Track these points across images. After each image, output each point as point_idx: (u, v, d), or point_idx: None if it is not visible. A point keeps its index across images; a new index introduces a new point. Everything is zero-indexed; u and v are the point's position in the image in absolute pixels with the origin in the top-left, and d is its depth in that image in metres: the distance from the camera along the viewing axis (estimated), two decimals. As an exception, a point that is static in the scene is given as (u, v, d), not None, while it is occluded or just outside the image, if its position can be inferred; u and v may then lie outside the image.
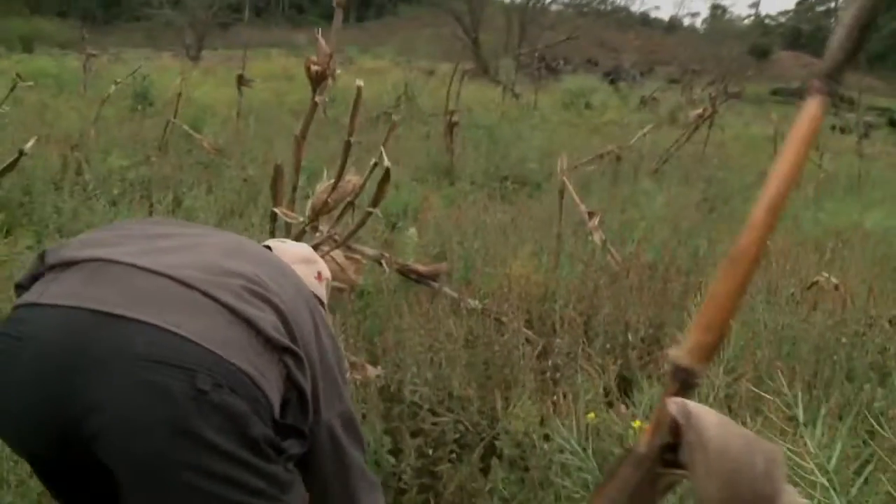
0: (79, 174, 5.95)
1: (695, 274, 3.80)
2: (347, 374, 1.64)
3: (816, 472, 1.35)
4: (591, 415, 2.03)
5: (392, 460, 2.43)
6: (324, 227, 3.11)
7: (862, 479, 1.40)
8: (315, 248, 3.00)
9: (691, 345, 0.70)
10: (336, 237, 3.30)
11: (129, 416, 1.11)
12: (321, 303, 1.88)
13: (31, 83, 10.29)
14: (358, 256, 3.07)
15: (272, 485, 1.19)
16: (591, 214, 3.95)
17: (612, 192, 6.41)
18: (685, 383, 0.69)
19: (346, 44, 25.47)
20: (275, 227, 3.39)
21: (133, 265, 1.21)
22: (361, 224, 2.84)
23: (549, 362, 2.74)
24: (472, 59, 20.53)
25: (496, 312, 2.93)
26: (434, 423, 2.52)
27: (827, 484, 1.32)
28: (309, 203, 3.14)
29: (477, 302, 2.96)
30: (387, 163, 2.75)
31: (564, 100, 13.12)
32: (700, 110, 7.73)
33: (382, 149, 2.65)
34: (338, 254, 2.96)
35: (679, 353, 0.70)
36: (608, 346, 2.96)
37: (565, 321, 2.74)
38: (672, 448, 0.69)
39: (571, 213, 4.33)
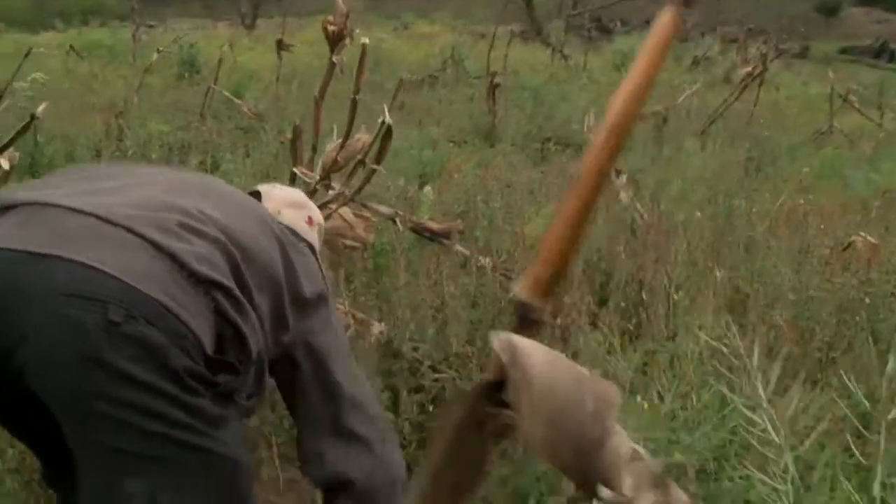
0: (120, 140, 6.06)
1: (728, 234, 3.68)
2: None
3: (769, 427, 1.28)
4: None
5: (391, 416, 2.42)
6: (336, 185, 3.09)
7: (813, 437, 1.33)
8: (325, 205, 2.99)
9: (530, 278, 0.64)
10: (347, 195, 3.28)
11: (47, 349, 1.13)
12: (310, 246, 1.85)
13: (84, 54, 10.55)
14: (367, 214, 3.04)
15: (196, 418, 1.19)
16: (618, 173, 3.84)
17: (653, 153, 6.24)
18: (524, 319, 0.64)
19: (403, 10, 25.42)
20: (294, 187, 3.39)
21: (66, 207, 1.22)
22: (366, 181, 2.81)
23: (558, 321, 2.68)
24: (525, 21, 20.17)
25: (503, 269, 2.88)
26: (435, 380, 2.50)
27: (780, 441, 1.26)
28: (319, 162, 3.13)
29: (487, 260, 2.90)
30: (388, 119, 2.71)
31: (615, 61, 12.74)
32: (749, 68, 7.42)
33: (385, 106, 2.61)
34: (346, 211, 2.94)
35: (520, 287, 0.65)
36: (622, 305, 2.88)
37: (575, 278, 2.67)
38: (500, 387, 0.63)
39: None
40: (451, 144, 6.79)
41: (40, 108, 2.73)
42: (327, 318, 1.55)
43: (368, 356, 2.45)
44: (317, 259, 1.76)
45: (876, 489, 1.28)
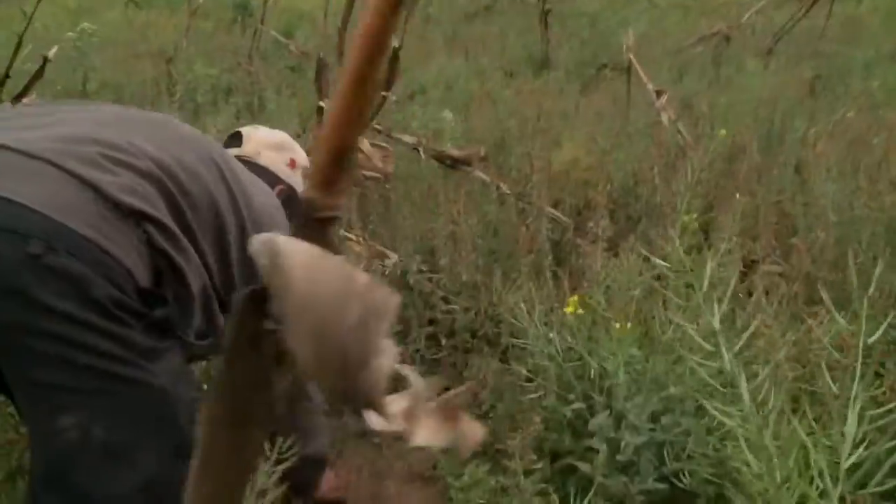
0: (168, 85, 6.07)
1: (779, 154, 3.43)
2: None
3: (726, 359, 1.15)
4: (571, 306, 1.85)
5: (400, 347, 2.36)
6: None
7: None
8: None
9: (312, 169, 0.54)
10: (378, 126, 3.19)
11: None
12: (291, 188, 1.79)
13: (143, 5, 10.60)
14: (384, 144, 2.95)
15: (125, 349, 1.16)
16: (658, 93, 3.63)
17: (711, 75, 5.90)
18: (309, 219, 0.54)
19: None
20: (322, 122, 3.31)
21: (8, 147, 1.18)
22: (378, 110, 2.71)
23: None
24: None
25: (521, 195, 2.75)
26: (446, 312, 2.42)
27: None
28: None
29: (504, 185, 2.78)
30: (396, 43, 2.59)
31: (680, -18, 12.12)
32: (821, -22, 6.88)
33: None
34: (364, 142, 2.86)
35: (307, 183, 0.55)
36: (652, 231, 2.72)
37: (595, 203, 2.52)
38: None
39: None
40: (503, 74, 6.57)
41: (51, 52, 2.71)
42: None
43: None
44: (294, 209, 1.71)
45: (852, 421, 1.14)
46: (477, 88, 5.31)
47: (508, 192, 2.78)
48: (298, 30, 8.21)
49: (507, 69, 6.83)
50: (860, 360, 1.27)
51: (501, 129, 3.72)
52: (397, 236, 2.69)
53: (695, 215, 2.36)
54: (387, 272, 2.51)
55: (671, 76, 5.91)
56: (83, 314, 1.11)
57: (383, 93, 2.60)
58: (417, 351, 2.38)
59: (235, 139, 1.82)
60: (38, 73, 2.68)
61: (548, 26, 7.30)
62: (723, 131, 3.43)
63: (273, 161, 1.79)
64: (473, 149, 3.04)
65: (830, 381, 1.32)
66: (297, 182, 1.81)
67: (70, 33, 5.84)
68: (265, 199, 1.52)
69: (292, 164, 1.83)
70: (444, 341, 2.41)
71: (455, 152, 3.00)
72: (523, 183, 2.91)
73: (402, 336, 2.37)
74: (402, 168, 3.16)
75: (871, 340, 1.29)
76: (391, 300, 0.53)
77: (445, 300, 2.42)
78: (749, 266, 2.43)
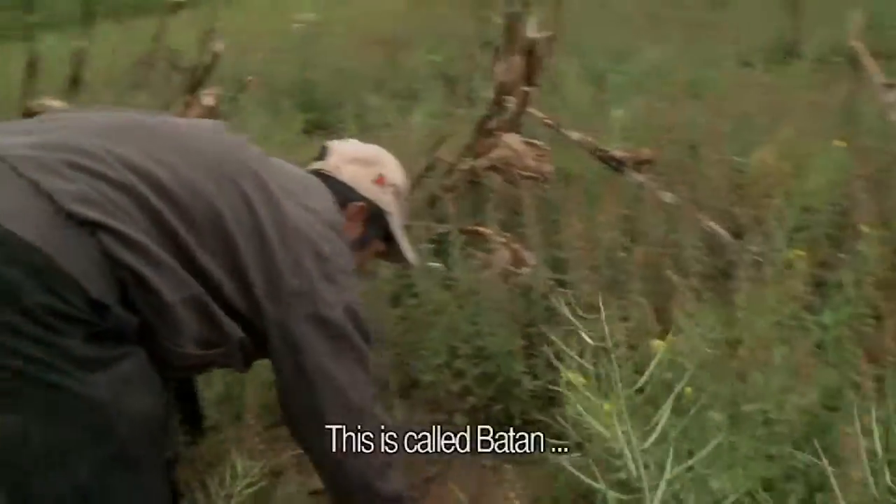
0: (390, 72, 6.23)
1: None
2: (345, 279, 1.52)
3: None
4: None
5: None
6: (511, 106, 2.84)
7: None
8: (490, 132, 2.77)
9: None
10: (549, 120, 3.03)
11: None
12: (374, 205, 1.74)
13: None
14: (538, 142, 2.76)
15: (58, 357, 1.16)
16: (890, 86, 3.07)
17: None
18: None
19: None
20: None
21: None
22: (522, 106, 2.53)
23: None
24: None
25: (688, 203, 2.43)
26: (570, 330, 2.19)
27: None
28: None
29: (670, 195, 2.47)
30: (537, 34, 2.39)
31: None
32: None
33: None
34: (514, 139, 2.72)
35: None
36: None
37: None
38: None
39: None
40: (737, 63, 5.98)
41: (219, 45, 2.84)
42: (316, 282, 1.45)
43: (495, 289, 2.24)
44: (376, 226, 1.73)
45: None
46: (688, 79, 4.86)
47: (668, 200, 2.48)
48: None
49: (744, 58, 6.20)
50: None
51: (693, 126, 3.35)
52: (542, 243, 2.50)
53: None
54: (517, 280, 2.36)
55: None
56: (13, 320, 1.13)
57: (524, 87, 2.42)
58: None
59: (324, 152, 1.79)
60: (210, 66, 2.83)
61: (798, 8, 6.54)
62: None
63: (355, 176, 1.74)
64: (642, 150, 2.76)
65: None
66: (386, 201, 1.77)
67: (296, 24, 6.20)
68: (304, 212, 1.49)
69: (381, 180, 1.77)
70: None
71: (619, 153, 2.74)
72: (689, 191, 2.57)
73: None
74: (570, 168, 2.95)
75: None
76: None
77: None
78: None
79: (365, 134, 4.39)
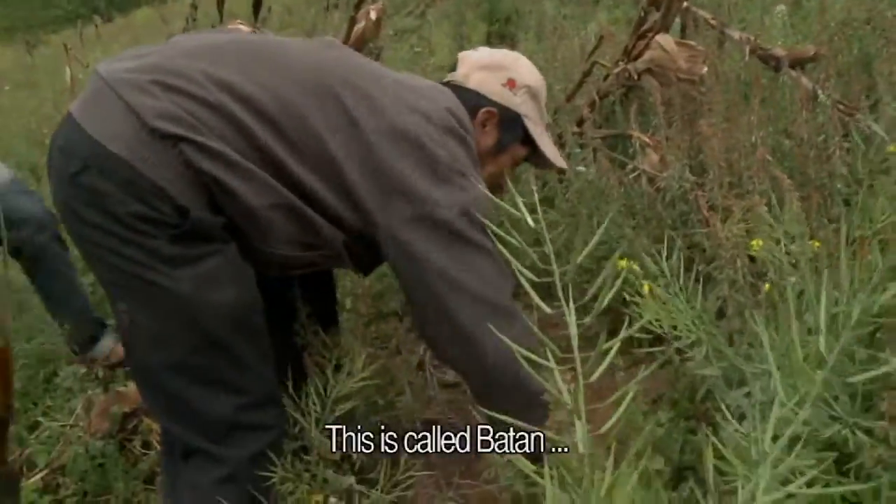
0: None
1: None
2: (461, 180, 1.48)
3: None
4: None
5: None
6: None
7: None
8: (644, 35, 2.72)
9: None
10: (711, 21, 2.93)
11: (53, 193, 1.44)
12: (505, 109, 1.70)
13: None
14: (691, 42, 2.67)
15: (147, 255, 1.35)
16: None
17: None
18: None
19: None
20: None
21: (101, 76, 1.41)
22: (668, 9, 2.45)
23: None
24: None
25: (851, 106, 2.27)
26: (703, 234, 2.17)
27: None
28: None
29: (824, 94, 2.31)
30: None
31: None
32: None
33: None
34: (666, 39, 2.67)
35: None
36: None
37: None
38: None
39: None
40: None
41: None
42: (417, 182, 1.45)
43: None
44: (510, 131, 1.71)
45: None
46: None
47: (827, 102, 2.32)
48: None
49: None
50: None
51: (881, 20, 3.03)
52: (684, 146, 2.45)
53: None
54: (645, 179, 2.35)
55: None
56: (107, 224, 1.34)
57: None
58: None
59: (457, 63, 1.78)
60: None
61: None
62: None
63: (483, 82, 1.69)
64: (807, 48, 2.57)
65: None
66: (515, 102, 1.71)
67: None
68: (414, 117, 1.49)
69: (511, 83, 1.71)
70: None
71: (780, 52, 2.57)
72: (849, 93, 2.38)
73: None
74: (728, 69, 2.82)
75: None
76: None
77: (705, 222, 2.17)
78: None
79: (542, 43, 4.38)
